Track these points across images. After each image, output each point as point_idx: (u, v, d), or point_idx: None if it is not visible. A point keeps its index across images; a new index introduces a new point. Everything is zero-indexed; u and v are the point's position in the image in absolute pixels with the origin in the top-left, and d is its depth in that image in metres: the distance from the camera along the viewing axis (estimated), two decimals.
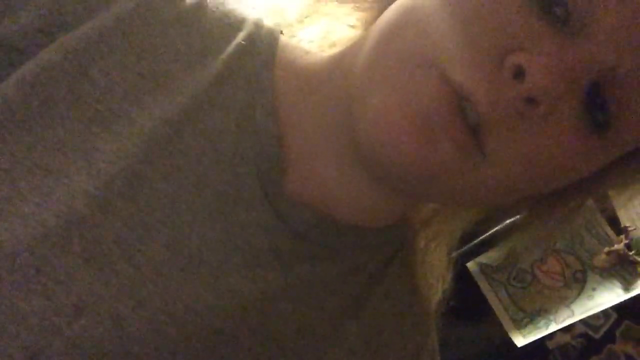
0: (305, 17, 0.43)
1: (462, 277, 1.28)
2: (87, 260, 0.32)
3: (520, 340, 1.27)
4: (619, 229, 1.32)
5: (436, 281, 0.46)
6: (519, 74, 0.31)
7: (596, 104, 0.33)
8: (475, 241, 1.28)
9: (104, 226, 0.33)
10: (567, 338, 1.29)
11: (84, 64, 0.35)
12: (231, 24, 0.40)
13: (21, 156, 0.33)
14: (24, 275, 0.31)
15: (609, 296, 1.29)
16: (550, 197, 0.41)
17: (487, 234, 1.30)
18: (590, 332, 1.29)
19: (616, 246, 1.31)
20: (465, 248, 1.27)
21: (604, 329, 1.29)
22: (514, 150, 0.33)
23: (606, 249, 1.32)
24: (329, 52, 0.42)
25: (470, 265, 1.34)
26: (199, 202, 0.36)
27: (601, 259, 1.31)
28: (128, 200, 0.34)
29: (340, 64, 0.39)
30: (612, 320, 1.29)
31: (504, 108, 0.31)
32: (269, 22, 0.42)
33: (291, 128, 0.39)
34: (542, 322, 1.30)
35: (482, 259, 1.34)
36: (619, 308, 1.28)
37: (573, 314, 1.30)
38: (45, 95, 0.34)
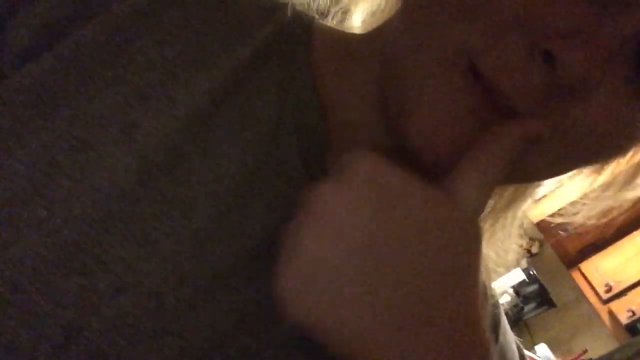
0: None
1: None
2: (127, 238, 0.32)
3: None
4: None
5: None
6: (550, 58, 0.29)
7: None
8: None
9: (144, 201, 0.33)
10: None
11: (122, 43, 0.35)
12: (267, 4, 0.41)
13: (60, 131, 0.32)
14: (66, 253, 0.31)
15: None
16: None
17: None
18: None
19: None
20: None
21: None
22: (556, 129, 0.32)
23: None
24: (363, 29, 0.42)
25: None
26: (241, 175, 0.35)
27: None
28: (168, 175, 0.33)
29: (376, 42, 0.39)
30: None
31: (535, 95, 0.31)
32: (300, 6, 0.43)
33: (332, 105, 0.39)
34: None
35: None
36: None
37: None
38: (83, 70, 0.33)
